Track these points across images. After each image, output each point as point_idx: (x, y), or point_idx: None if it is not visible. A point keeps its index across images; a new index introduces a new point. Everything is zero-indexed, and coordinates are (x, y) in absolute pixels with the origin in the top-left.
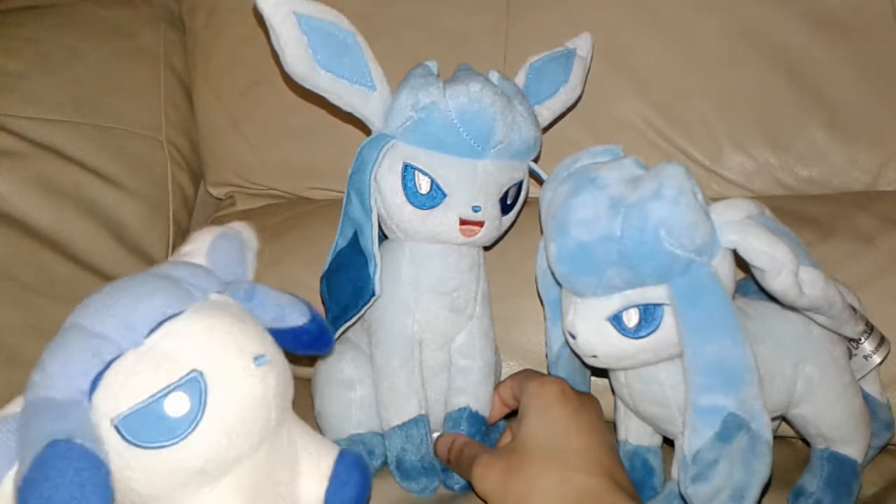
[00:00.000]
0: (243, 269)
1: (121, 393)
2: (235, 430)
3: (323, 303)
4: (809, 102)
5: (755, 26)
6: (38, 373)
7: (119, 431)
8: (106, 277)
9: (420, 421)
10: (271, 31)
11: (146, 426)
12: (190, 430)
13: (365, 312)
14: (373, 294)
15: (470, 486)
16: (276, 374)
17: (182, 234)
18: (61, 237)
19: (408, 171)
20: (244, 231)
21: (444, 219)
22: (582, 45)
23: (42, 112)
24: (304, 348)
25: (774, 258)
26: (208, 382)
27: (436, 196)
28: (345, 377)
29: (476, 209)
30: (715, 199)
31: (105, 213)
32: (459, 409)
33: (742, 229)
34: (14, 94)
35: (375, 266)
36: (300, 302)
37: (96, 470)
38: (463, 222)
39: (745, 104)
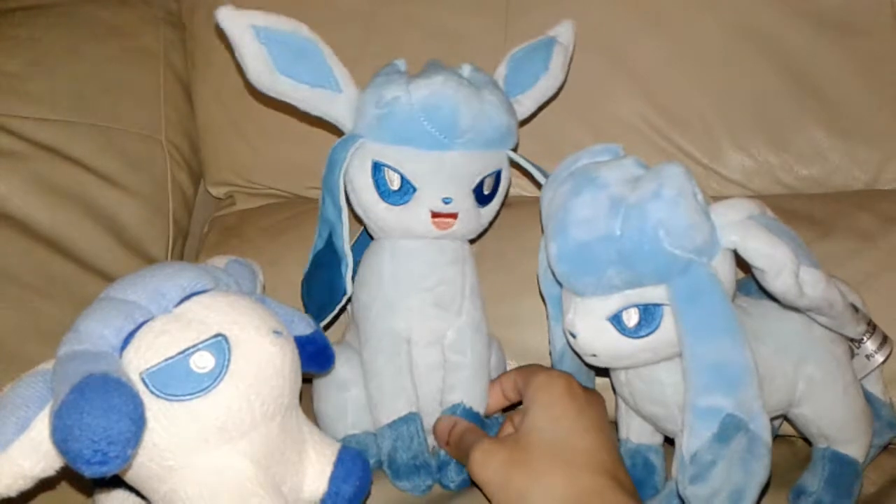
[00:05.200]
0: (254, 288)
1: (150, 349)
2: (254, 391)
3: (304, 305)
4: (809, 102)
5: (755, 26)
6: (71, 333)
7: (146, 384)
8: (106, 277)
9: (410, 419)
10: (232, 45)
11: (172, 379)
12: (213, 385)
13: (339, 311)
14: (344, 293)
15: (466, 484)
16: (291, 350)
17: (182, 234)
18: (61, 237)
19: (377, 168)
20: (254, 263)
21: (416, 213)
22: (563, 32)
23: (42, 112)
24: (308, 360)
25: (774, 259)
26: (232, 345)
27: (407, 191)
28: (339, 378)
29: (447, 201)
30: (715, 199)
31: (105, 213)
32: (453, 406)
33: (742, 230)
34: (14, 94)
35: (346, 265)
36: (306, 316)
37: (130, 398)
38: (435, 215)
39: (745, 104)
